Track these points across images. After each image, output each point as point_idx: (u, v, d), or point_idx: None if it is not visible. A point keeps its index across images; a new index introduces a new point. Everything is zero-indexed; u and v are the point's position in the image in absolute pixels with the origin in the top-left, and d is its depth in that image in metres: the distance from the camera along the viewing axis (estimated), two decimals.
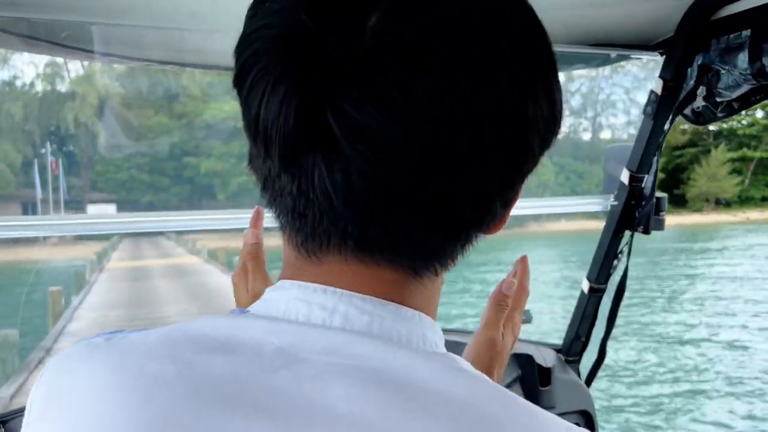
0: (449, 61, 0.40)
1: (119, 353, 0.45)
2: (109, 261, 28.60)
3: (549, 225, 49.57)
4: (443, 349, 0.49)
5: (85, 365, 0.45)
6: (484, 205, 0.45)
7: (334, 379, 0.42)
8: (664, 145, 1.57)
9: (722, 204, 55.88)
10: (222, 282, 18.36)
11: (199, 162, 47.55)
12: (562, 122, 0.48)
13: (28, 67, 49.93)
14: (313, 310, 0.46)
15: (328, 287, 0.46)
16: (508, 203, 0.48)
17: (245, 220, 1.47)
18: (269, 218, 0.54)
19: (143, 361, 0.44)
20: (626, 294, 1.64)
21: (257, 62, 0.42)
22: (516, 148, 0.44)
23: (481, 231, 0.48)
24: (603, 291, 1.70)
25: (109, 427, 0.41)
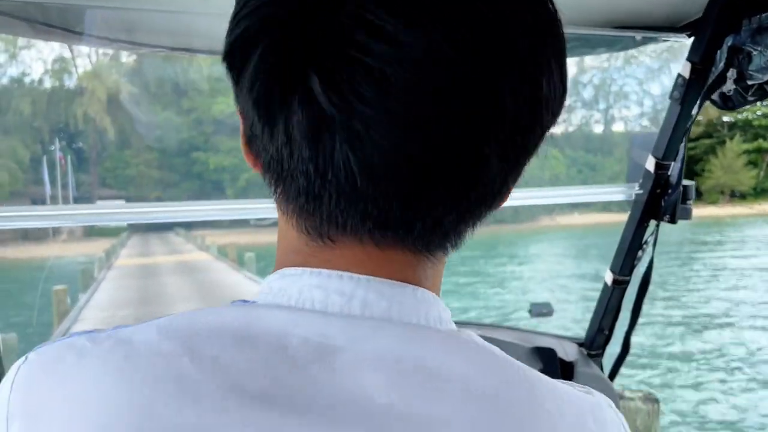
0: (472, 33, 0.40)
1: (121, 354, 0.41)
2: (117, 258, 28.59)
3: (561, 218, 49.41)
4: (454, 326, 0.48)
5: (78, 371, 0.41)
6: (499, 181, 0.45)
7: (366, 369, 0.41)
8: (689, 133, 1.53)
9: (737, 196, 55.45)
10: (233, 279, 18.35)
11: (208, 157, 47.73)
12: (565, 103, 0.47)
13: (36, 63, 50.28)
14: (330, 296, 0.44)
15: (344, 272, 0.45)
16: (515, 180, 0.48)
17: (253, 211, 1.47)
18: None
19: (155, 360, 0.40)
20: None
21: (260, 37, 0.41)
22: (531, 124, 0.44)
23: (491, 209, 0.47)
24: (627, 283, 1.66)
25: None
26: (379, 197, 0.41)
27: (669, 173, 1.54)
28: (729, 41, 1.35)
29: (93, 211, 1.36)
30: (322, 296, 0.44)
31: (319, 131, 0.40)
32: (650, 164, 1.54)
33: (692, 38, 1.43)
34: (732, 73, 1.38)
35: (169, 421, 0.38)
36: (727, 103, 1.45)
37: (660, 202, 1.55)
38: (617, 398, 1.67)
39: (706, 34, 1.38)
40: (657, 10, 1.41)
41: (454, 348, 0.45)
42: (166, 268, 22.45)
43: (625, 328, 1.69)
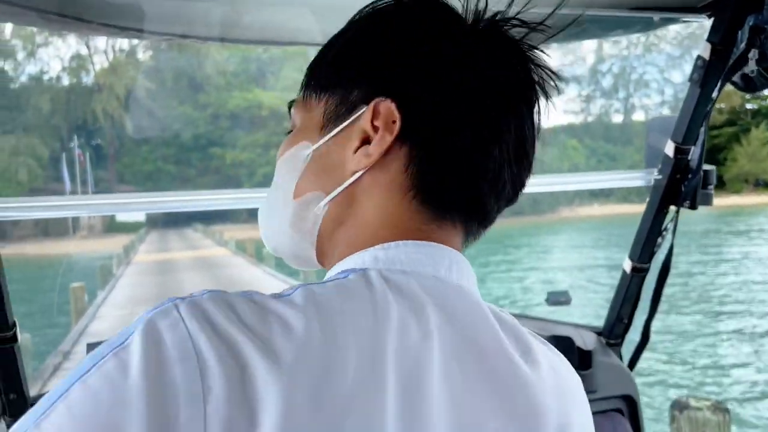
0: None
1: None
2: (136, 254, 28.79)
3: (581, 210, 49.01)
4: None
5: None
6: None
7: (522, 336, 0.58)
8: (709, 117, 1.50)
9: (761, 185, 54.52)
10: (252, 274, 18.35)
11: (225, 152, 47.97)
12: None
13: (54, 60, 50.77)
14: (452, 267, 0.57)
15: (445, 246, 0.57)
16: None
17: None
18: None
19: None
20: None
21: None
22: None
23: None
24: (646, 271, 1.63)
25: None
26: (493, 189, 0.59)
27: (689, 158, 1.51)
28: (750, 21, 1.32)
29: (114, 201, 1.37)
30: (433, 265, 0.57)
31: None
32: (669, 149, 1.51)
33: (712, 18, 1.40)
34: (754, 54, 1.35)
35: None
36: (749, 85, 1.41)
37: (680, 187, 1.52)
38: (636, 388, 1.64)
39: (727, 13, 1.35)
40: None
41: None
42: (185, 263, 22.54)
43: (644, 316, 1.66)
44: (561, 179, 1.59)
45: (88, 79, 50.76)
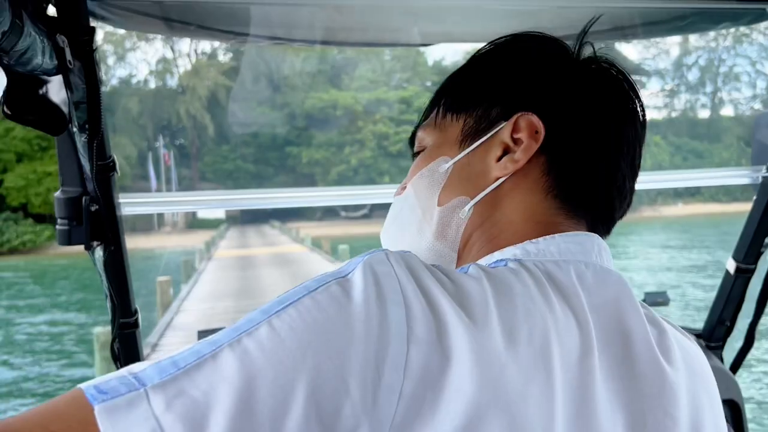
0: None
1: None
2: (217, 249, 29.49)
3: (665, 209, 47.17)
4: None
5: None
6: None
7: (654, 318, 0.64)
8: None
9: None
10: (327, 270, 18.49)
11: (300, 151, 48.93)
12: None
13: (141, 64, 53.22)
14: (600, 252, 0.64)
15: (591, 233, 0.65)
16: None
17: (344, 198, 1.54)
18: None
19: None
20: None
21: None
22: None
23: None
24: (752, 272, 1.57)
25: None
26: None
27: None
28: None
29: (198, 198, 1.46)
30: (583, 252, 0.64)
31: None
32: None
33: None
34: None
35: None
36: None
37: None
38: (740, 392, 1.59)
39: None
40: None
41: None
42: (263, 259, 22.94)
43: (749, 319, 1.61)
44: (660, 177, 1.55)
45: (172, 82, 52.98)
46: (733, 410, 1.58)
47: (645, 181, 1.52)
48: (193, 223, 46.78)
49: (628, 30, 1.53)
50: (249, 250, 29.08)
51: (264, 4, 1.25)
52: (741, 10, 1.37)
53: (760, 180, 1.50)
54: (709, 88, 58.44)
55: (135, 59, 52.14)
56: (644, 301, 1.80)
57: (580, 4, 1.37)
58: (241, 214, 49.26)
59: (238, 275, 17.99)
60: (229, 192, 1.45)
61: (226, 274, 18.66)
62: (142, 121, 48.02)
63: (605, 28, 1.48)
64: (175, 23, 1.26)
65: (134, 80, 52.20)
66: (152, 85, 52.99)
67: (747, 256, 1.56)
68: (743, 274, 1.58)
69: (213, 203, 1.48)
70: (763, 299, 1.56)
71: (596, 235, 0.65)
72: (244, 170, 50.77)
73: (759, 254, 1.55)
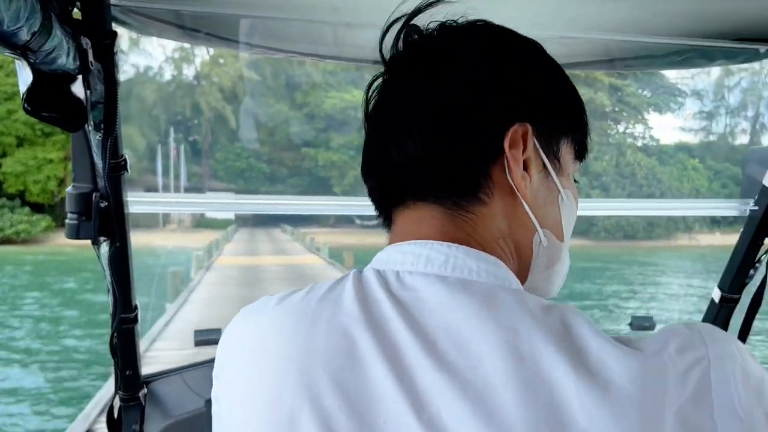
0: None
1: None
2: (220, 254, 27.24)
3: (701, 237, 46.70)
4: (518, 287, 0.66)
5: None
6: None
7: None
8: None
9: None
10: None
11: (317, 153, 49.11)
12: None
13: (156, 50, 53.68)
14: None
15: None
16: None
17: (361, 208, 1.64)
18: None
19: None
20: None
21: None
22: None
23: None
24: (736, 302, 1.69)
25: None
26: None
27: None
28: None
29: (207, 201, 1.59)
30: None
31: None
32: (767, 180, 1.57)
33: None
34: None
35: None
36: None
37: None
38: None
39: None
40: None
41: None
42: (274, 273, 20.62)
43: None
44: (652, 205, 1.67)
45: (189, 72, 53.48)
46: None
47: (634, 208, 1.64)
48: (201, 222, 47.03)
49: (627, 61, 1.66)
50: (257, 258, 27.16)
51: (279, 19, 1.39)
52: (735, 49, 1.50)
53: (748, 213, 1.62)
54: (750, 113, 57.97)
55: (150, 45, 52.68)
56: (630, 325, 1.93)
57: (581, 35, 1.49)
58: (251, 216, 49.38)
59: (240, 296, 14.31)
60: (238, 196, 1.58)
61: (225, 293, 15.62)
62: (154, 111, 48.48)
63: (602, 58, 1.62)
64: (194, 32, 1.41)
65: (147, 69, 52.70)
66: (167, 75, 53.52)
67: (732, 286, 1.68)
68: (728, 303, 1.70)
69: (221, 206, 1.61)
70: (747, 328, 1.67)
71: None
72: (257, 170, 51.00)
73: (744, 285, 1.67)
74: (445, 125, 0.65)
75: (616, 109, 55.07)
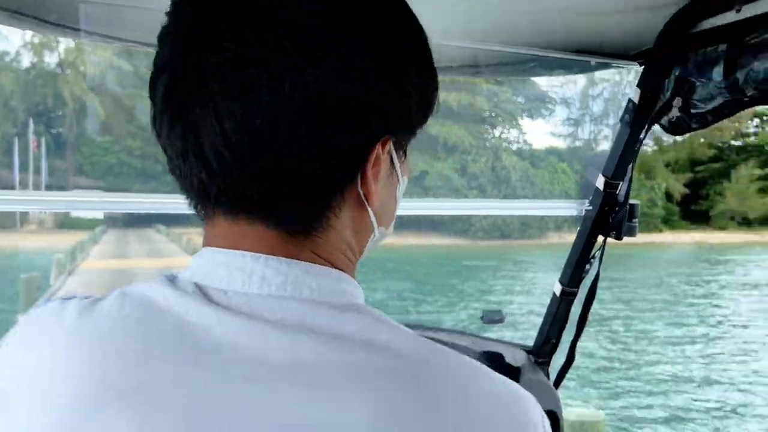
0: None
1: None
2: (86, 258, 25.56)
3: (569, 236, 49.58)
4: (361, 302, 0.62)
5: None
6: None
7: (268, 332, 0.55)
8: (637, 155, 1.71)
9: (744, 224, 55.94)
10: None
11: None
12: None
13: (13, 34, 50.05)
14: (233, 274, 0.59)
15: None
16: None
17: None
18: None
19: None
20: None
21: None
22: None
23: None
24: (574, 295, 1.84)
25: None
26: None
27: (617, 192, 1.73)
28: (676, 71, 1.54)
29: (71, 199, 1.50)
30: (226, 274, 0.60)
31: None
32: (600, 182, 1.73)
33: (643, 67, 1.62)
34: (678, 101, 1.57)
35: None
36: (675, 129, 1.64)
37: (608, 219, 1.74)
38: (560, 405, 1.85)
39: (656, 63, 1.57)
40: (613, 39, 1.59)
41: (348, 317, 0.58)
42: (147, 275, 18.16)
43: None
44: (497, 204, 1.78)
45: (51, 60, 50.21)
46: (553, 421, 1.84)
47: (480, 207, 1.75)
48: (65, 222, 44.37)
49: (480, 68, 1.78)
50: (129, 261, 25.81)
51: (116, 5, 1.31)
52: (570, 60, 1.64)
53: (584, 213, 1.77)
54: (612, 120, 62.62)
55: (6, 30, 49.01)
56: (482, 318, 2.05)
57: (439, 41, 1.57)
58: (122, 216, 47.20)
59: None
60: (107, 194, 1.50)
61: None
62: (12, 102, 45.19)
63: (457, 64, 1.71)
64: (19, 15, 1.29)
65: (4, 55, 49.04)
66: (26, 62, 49.98)
67: (571, 281, 1.83)
68: (567, 296, 1.84)
69: (86, 204, 1.53)
70: (583, 320, 1.83)
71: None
72: (128, 165, 48.75)
73: (581, 279, 1.82)
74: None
75: (493, 114, 57.65)
